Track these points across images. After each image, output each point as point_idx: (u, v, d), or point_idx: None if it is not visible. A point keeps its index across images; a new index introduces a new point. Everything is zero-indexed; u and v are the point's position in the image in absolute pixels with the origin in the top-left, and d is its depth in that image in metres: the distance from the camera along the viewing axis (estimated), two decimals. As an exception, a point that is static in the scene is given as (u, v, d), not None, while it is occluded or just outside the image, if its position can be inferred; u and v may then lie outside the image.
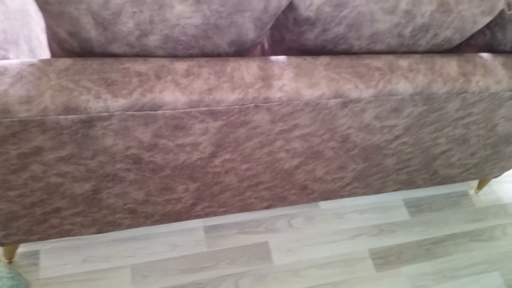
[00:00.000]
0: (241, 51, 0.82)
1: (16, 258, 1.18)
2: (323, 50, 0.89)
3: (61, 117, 0.66)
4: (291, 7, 0.79)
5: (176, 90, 0.71)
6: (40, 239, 1.07)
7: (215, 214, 1.25)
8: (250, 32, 0.78)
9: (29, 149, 0.72)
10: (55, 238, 1.08)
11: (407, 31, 0.88)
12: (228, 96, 0.74)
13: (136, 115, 0.70)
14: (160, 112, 0.72)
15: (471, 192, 1.74)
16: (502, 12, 0.94)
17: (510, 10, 0.94)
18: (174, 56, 0.76)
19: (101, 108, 0.67)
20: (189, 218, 1.22)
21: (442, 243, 1.56)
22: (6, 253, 1.14)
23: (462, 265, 1.53)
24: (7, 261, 1.16)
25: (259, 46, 0.99)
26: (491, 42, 1.01)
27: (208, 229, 1.38)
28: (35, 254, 1.20)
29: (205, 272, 1.30)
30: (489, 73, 0.95)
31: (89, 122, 0.69)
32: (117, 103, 0.68)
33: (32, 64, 0.67)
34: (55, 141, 0.71)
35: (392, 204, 1.62)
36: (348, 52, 0.90)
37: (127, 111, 0.69)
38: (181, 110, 0.73)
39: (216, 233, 1.38)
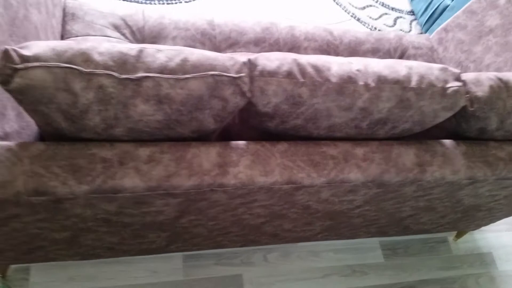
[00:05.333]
0: (204, 135, 0.89)
1: (9, 273, 1.32)
2: (285, 134, 0.95)
3: (32, 198, 0.76)
4: (250, 103, 0.85)
5: (136, 177, 0.80)
6: (27, 262, 1.20)
7: (190, 250, 1.35)
8: (210, 125, 0.85)
9: (7, 215, 0.82)
10: (42, 262, 1.21)
11: (364, 124, 0.93)
12: (184, 183, 0.82)
13: (98, 197, 0.80)
14: (119, 195, 0.81)
15: (450, 238, 1.78)
16: (465, 107, 0.98)
17: (472, 107, 0.97)
18: (140, 140, 0.84)
19: (67, 192, 0.77)
20: (165, 252, 1.32)
21: (412, 288, 1.63)
22: (0, 268, 1.28)
23: (429, 312, 1.59)
24: (0, 275, 1.30)
25: (230, 119, 1.05)
26: (457, 129, 1.05)
27: (187, 258, 1.48)
28: (26, 270, 1.34)
29: (179, 299, 1.41)
30: (447, 163, 0.99)
31: (57, 201, 0.79)
32: (81, 189, 0.77)
33: (9, 149, 0.76)
34: (30, 210, 0.81)
35: (368, 245, 1.68)
36: (309, 137, 0.96)
37: (90, 194, 0.78)
38: (140, 194, 0.82)
39: (193, 263, 1.48)
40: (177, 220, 1.02)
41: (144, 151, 0.82)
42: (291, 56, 0.89)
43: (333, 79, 0.87)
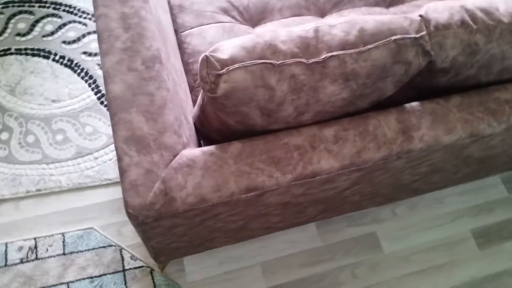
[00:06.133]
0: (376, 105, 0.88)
1: (167, 268, 1.40)
2: (451, 87, 0.92)
3: (243, 195, 0.78)
4: (428, 62, 0.82)
5: (330, 158, 0.80)
6: (191, 254, 1.26)
7: (331, 217, 1.37)
8: (389, 92, 0.83)
9: (209, 216, 0.85)
10: (201, 252, 1.27)
11: (538, 61, 0.88)
12: (374, 156, 0.82)
13: (298, 183, 0.81)
14: (317, 178, 0.82)
15: None
16: None
17: None
18: (319, 122, 0.84)
19: (274, 184, 0.78)
20: (310, 222, 1.36)
21: (544, 217, 1.60)
22: (161, 265, 1.35)
23: None
24: (160, 270, 1.38)
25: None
26: None
27: (320, 225, 1.52)
28: (180, 261, 1.41)
29: (324, 264, 1.45)
30: None
31: (261, 194, 0.81)
32: (286, 179, 0.79)
33: (212, 153, 0.78)
34: (231, 207, 0.84)
35: (489, 183, 1.66)
36: (476, 86, 0.93)
37: (293, 182, 0.80)
38: (334, 173, 0.82)
39: (327, 228, 1.51)
40: (343, 192, 1.03)
41: (328, 132, 0.83)
42: (456, 3, 0.84)
43: (505, 19, 0.83)
